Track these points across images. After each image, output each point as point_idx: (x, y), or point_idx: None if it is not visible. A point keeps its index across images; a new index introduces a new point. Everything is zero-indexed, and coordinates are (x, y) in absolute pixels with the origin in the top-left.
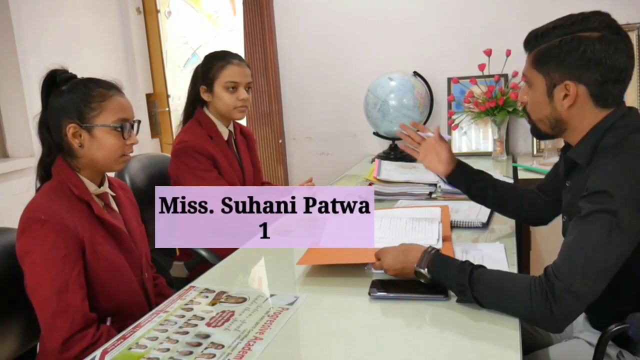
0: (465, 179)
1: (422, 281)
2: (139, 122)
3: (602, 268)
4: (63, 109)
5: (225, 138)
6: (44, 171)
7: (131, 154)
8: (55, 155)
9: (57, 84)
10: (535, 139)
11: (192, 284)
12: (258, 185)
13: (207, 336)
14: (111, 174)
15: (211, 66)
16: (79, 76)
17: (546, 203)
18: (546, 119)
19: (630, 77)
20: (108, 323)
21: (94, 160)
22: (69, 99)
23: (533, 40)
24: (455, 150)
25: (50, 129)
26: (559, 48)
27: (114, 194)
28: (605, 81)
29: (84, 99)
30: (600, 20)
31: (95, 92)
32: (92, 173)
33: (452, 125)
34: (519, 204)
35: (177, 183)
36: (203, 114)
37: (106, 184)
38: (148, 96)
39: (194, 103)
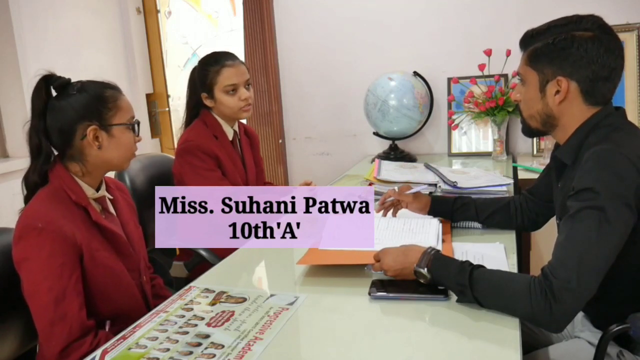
0: (444, 210)
1: (422, 281)
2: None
3: (596, 263)
4: (77, 112)
5: (230, 138)
6: (39, 177)
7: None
8: (55, 161)
9: (55, 89)
10: (535, 139)
11: (192, 284)
12: (260, 184)
13: (207, 336)
14: (109, 174)
15: (206, 73)
16: (79, 77)
17: (537, 206)
18: (537, 115)
19: (619, 77)
20: (107, 327)
21: (108, 161)
22: (83, 102)
23: (528, 39)
24: (455, 150)
25: (49, 135)
26: (553, 45)
27: (111, 197)
28: (595, 78)
29: (100, 101)
30: (593, 22)
31: (107, 92)
32: (94, 176)
33: (452, 125)
34: (507, 214)
35: (181, 182)
36: (209, 114)
37: (103, 187)
38: (148, 96)
39: (196, 108)
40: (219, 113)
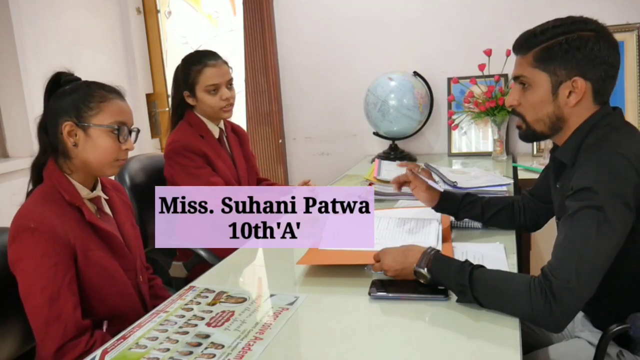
0: (451, 205)
1: (422, 281)
2: (139, 130)
3: (596, 263)
4: (62, 108)
5: (217, 136)
6: (37, 173)
7: (125, 159)
8: (48, 156)
9: (60, 86)
10: None
11: (192, 284)
12: (253, 181)
13: (207, 336)
14: None
15: (189, 72)
16: (81, 77)
17: (538, 207)
18: (547, 118)
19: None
20: (104, 327)
21: (86, 162)
22: (69, 99)
23: (532, 38)
24: (455, 150)
25: (47, 130)
26: (567, 44)
27: (107, 197)
28: (606, 77)
29: (84, 99)
30: (595, 22)
31: (96, 92)
32: (85, 176)
33: (452, 125)
34: (511, 213)
35: (173, 184)
36: (193, 114)
37: (99, 187)
38: (148, 96)
39: (181, 107)
40: (202, 112)
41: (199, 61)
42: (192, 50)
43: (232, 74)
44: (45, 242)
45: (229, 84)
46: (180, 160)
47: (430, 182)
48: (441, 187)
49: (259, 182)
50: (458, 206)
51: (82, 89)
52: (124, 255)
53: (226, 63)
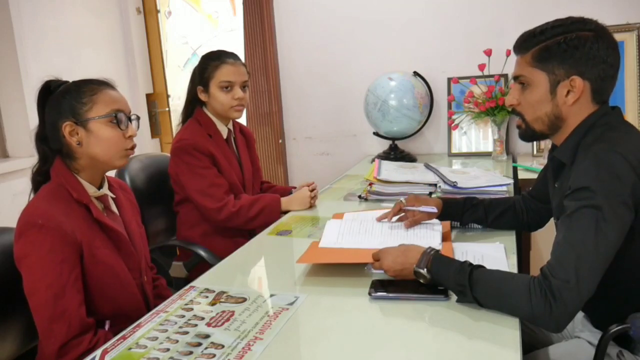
0: (454, 212)
1: (422, 281)
2: (138, 117)
3: (595, 262)
4: (58, 112)
5: (225, 137)
6: (40, 176)
7: (132, 148)
8: (54, 158)
9: (52, 92)
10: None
11: (192, 284)
12: (257, 184)
13: (207, 336)
14: (112, 174)
15: (206, 66)
16: (79, 77)
17: (538, 207)
18: (545, 117)
19: (618, 75)
20: (107, 327)
21: (94, 158)
22: (62, 101)
23: (531, 38)
24: (455, 150)
25: (47, 139)
26: (565, 44)
27: (113, 196)
28: (604, 77)
29: (75, 97)
30: (595, 22)
31: (86, 88)
32: (92, 174)
33: (452, 125)
34: (513, 214)
35: (177, 181)
36: (202, 113)
37: (106, 185)
38: (148, 96)
39: (193, 103)
40: (212, 110)
41: (218, 57)
42: (192, 50)
43: (249, 79)
44: (52, 239)
45: (244, 85)
46: (186, 159)
47: (422, 209)
48: (432, 207)
49: (261, 184)
50: (462, 209)
51: (72, 89)
52: (129, 254)
53: (245, 66)
